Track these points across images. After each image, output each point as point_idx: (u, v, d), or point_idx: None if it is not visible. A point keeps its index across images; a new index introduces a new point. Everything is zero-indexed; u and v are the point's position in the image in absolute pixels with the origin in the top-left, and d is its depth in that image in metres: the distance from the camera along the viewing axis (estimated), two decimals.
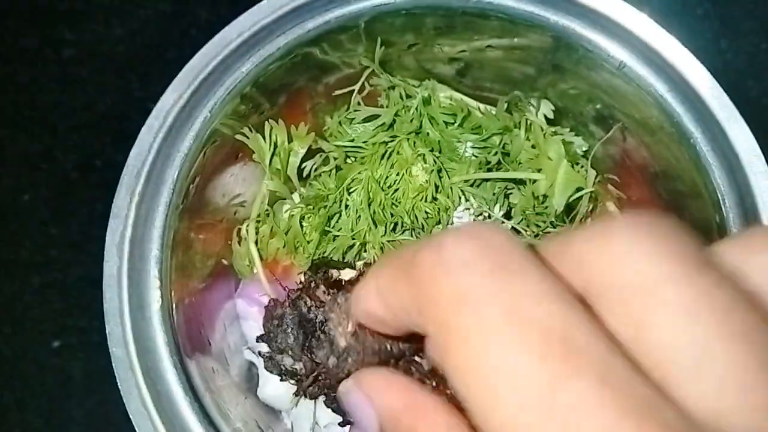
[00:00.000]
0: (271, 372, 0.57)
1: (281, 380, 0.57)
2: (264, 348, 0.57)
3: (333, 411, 0.57)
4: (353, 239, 0.62)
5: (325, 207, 0.63)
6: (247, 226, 0.64)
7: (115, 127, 1.00)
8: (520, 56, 0.66)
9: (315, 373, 0.55)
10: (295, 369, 0.57)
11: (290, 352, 0.56)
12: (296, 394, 0.56)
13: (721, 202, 0.56)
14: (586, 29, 0.61)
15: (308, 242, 0.63)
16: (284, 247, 0.63)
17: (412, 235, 0.61)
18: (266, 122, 0.62)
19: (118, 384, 0.54)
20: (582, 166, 0.66)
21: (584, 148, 0.71)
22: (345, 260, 0.63)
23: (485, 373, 0.22)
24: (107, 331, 0.54)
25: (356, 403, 0.32)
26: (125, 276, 0.56)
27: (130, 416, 0.53)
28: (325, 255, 0.64)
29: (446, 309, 0.24)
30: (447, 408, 0.29)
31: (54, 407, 0.93)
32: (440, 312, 0.24)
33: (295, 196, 0.66)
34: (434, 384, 0.57)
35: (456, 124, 0.63)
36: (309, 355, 0.55)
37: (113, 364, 0.54)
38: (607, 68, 0.62)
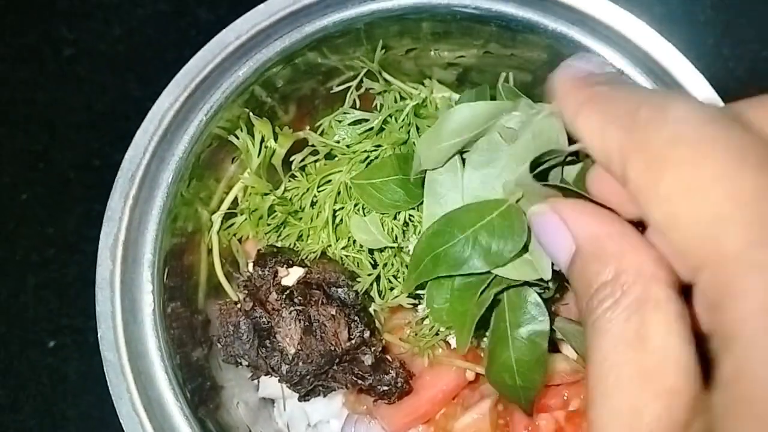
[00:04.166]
0: (229, 362, 0.62)
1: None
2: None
3: (300, 400, 0.63)
4: (309, 233, 0.63)
5: (294, 198, 0.64)
6: (214, 215, 0.65)
7: (113, 126, 0.99)
8: (518, 63, 0.66)
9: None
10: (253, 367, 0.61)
11: (246, 358, 0.60)
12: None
13: None
14: (584, 36, 0.61)
15: (267, 224, 0.64)
16: (245, 221, 0.64)
17: (371, 253, 0.62)
18: (249, 118, 0.62)
19: (109, 388, 0.54)
20: None
21: None
22: (294, 248, 0.64)
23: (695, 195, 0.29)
24: (99, 335, 0.54)
25: (549, 227, 0.34)
26: (118, 279, 0.56)
27: (120, 420, 0.53)
28: (275, 243, 0.65)
29: (662, 146, 0.30)
30: (647, 242, 0.33)
31: (48, 407, 0.93)
32: (655, 148, 0.30)
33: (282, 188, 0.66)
34: (375, 379, 0.60)
35: None
36: (264, 361, 0.59)
37: (104, 368, 0.54)
38: None
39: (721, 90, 0.58)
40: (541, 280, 0.52)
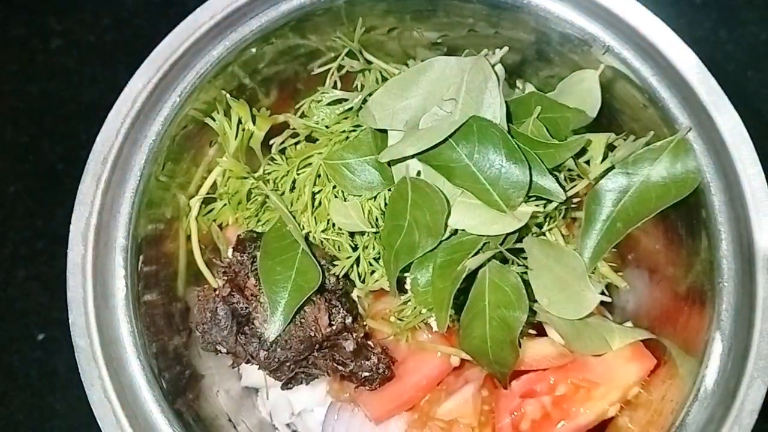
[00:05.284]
0: (208, 350, 0.60)
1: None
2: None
3: (283, 388, 0.62)
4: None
5: (274, 181, 0.63)
6: (192, 200, 0.63)
7: (103, 118, 0.97)
8: (503, 42, 0.64)
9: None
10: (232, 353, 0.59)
11: (225, 344, 0.58)
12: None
13: (706, 188, 0.54)
14: (570, 11, 0.59)
15: (247, 209, 0.63)
16: (224, 206, 0.63)
17: (352, 236, 0.61)
18: (225, 99, 0.61)
19: (80, 374, 0.53)
20: None
21: None
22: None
23: None
24: (70, 321, 0.53)
25: None
26: (90, 264, 0.54)
27: (92, 407, 0.52)
28: (254, 229, 0.64)
29: None
30: None
31: (37, 400, 0.92)
32: None
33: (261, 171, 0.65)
34: (356, 365, 0.59)
35: None
36: (242, 347, 0.57)
37: (75, 354, 0.53)
38: (592, 52, 0.60)
39: (719, 74, 0.56)
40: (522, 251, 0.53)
